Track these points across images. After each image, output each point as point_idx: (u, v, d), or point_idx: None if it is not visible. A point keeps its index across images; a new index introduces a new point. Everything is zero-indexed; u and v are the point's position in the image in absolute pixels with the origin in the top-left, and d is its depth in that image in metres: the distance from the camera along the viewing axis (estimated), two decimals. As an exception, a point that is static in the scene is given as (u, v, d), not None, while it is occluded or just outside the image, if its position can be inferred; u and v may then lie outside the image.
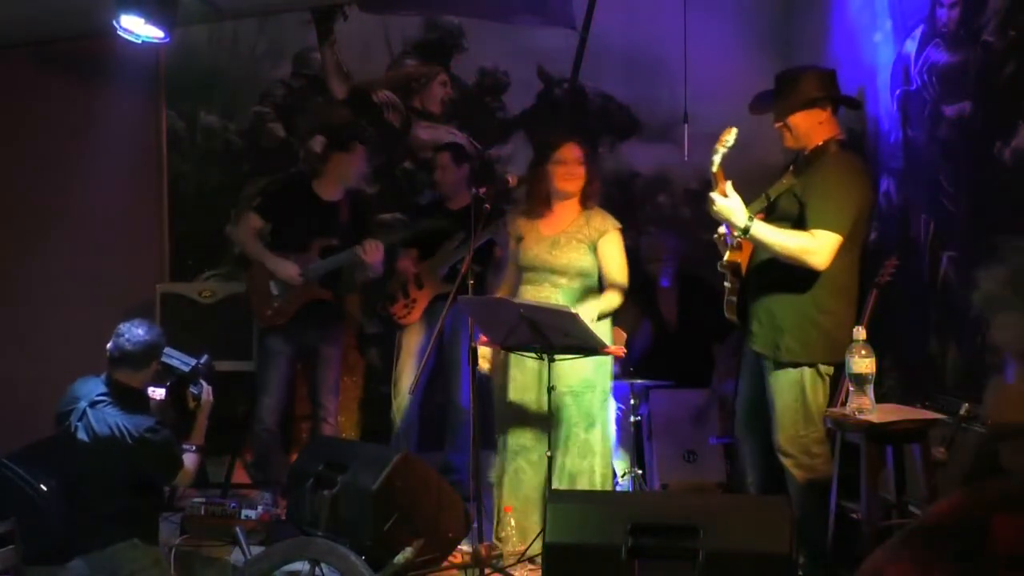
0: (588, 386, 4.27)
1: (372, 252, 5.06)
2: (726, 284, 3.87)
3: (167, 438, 3.96)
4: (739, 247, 3.76)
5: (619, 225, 4.41)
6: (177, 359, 4.21)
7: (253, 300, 5.23)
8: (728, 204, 3.58)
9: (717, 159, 3.55)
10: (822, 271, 3.58)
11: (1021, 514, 1.18)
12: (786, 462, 3.69)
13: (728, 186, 3.59)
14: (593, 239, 4.34)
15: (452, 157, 5.51)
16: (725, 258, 3.79)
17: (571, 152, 4.37)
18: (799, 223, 3.64)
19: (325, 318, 5.21)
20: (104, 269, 5.95)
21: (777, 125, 3.78)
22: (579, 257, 4.33)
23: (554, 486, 4.13)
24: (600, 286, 4.37)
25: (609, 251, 4.36)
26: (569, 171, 4.36)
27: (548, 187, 4.39)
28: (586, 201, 4.41)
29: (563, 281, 4.33)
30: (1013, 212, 3.49)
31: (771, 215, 3.75)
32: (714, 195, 3.60)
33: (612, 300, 4.31)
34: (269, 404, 5.18)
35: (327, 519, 3.86)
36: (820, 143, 3.72)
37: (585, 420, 4.27)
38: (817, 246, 3.55)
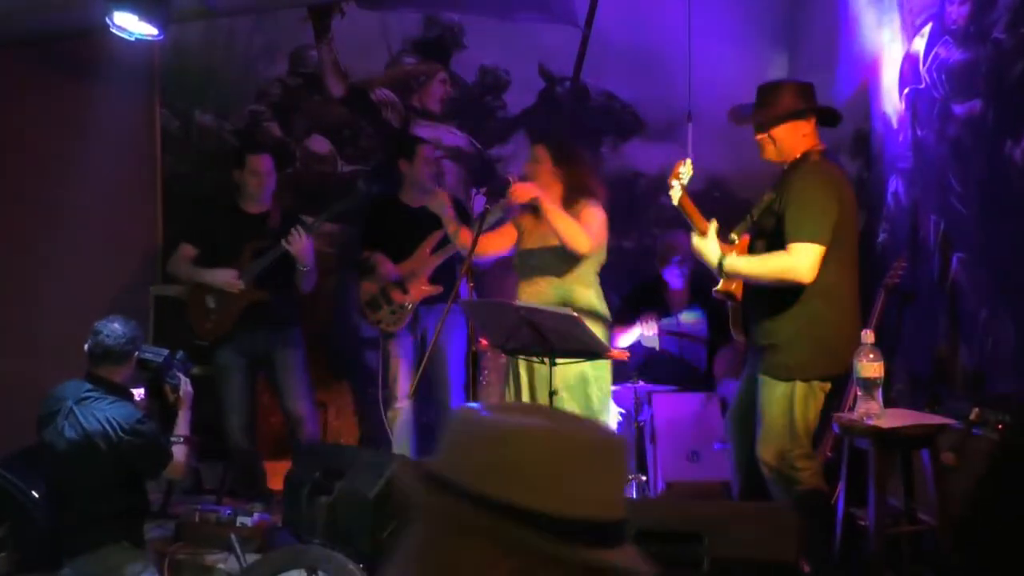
0: (584, 380, 4.27)
1: (296, 241, 4.96)
2: (728, 304, 3.91)
3: (155, 429, 4.03)
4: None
5: (596, 201, 4.36)
6: (150, 352, 4.25)
7: (191, 317, 5.18)
8: (701, 245, 3.69)
9: (675, 194, 3.62)
10: (812, 284, 3.58)
11: None
12: (767, 474, 3.70)
13: (711, 227, 3.69)
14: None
15: (432, 152, 5.51)
16: (719, 286, 3.83)
17: (532, 153, 4.45)
18: (777, 237, 3.64)
19: (274, 322, 5.15)
20: (97, 271, 5.94)
21: (759, 137, 3.79)
22: (560, 243, 4.32)
23: None
24: (592, 272, 4.39)
25: (581, 218, 4.32)
26: (524, 171, 4.42)
27: None
28: (566, 202, 4.37)
29: (549, 276, 4.34)
30: (1024, 213, 3.49)
31: (756, 235, 3.77)
32: (693, 235, 3.71)
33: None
34: (236, 422, 5.16)
35: (324, 526, 3.86)
36: (799, 155, 3.73)
37: (585, 415, 4.26)
38: (796, 262, 3.55)
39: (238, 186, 5.25)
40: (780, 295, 3.65)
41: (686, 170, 3.64)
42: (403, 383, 5.30)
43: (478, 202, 4.38)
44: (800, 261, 3.54)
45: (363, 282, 5.43)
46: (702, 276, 5.37)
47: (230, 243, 5.15)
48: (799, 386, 3.65)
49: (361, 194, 5.44)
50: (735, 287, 3.82)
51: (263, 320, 5.11)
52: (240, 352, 5.15)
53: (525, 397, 4.40)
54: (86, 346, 4.02)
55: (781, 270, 3.58)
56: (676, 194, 3.64)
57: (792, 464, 3.65)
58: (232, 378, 5.16)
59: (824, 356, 3.64)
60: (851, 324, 3.64)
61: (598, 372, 4.31)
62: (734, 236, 3.77)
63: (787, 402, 3.65)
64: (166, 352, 4.28)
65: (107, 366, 4.02)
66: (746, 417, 3.85)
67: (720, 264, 3.64)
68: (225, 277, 5.07)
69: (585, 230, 4.27)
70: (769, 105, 3.75)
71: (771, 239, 3.67)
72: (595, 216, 4.35)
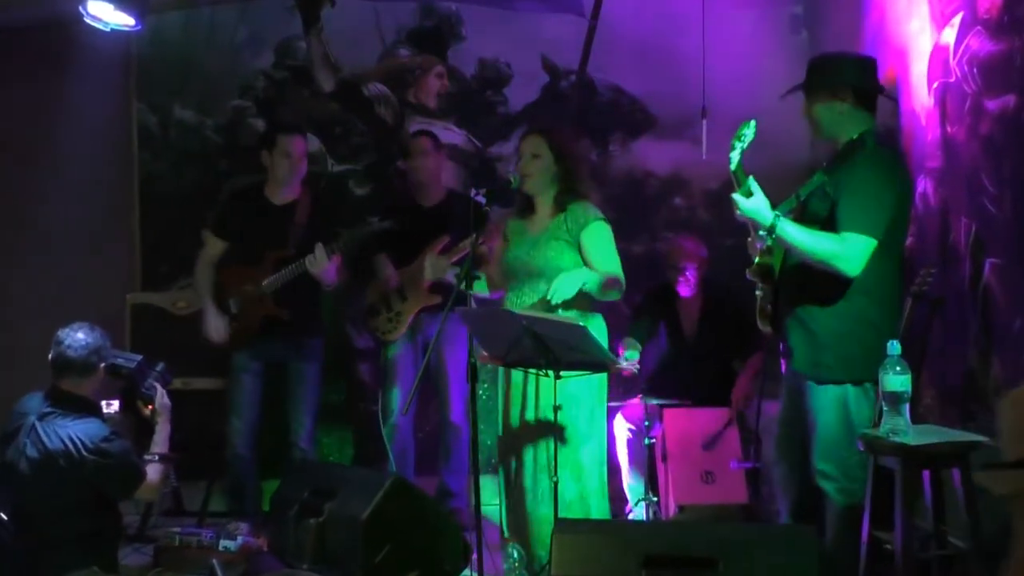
0: (571, 401, 4.22)
1: (318, 263, 5.00)
2: (758, 292, 3.85)
3: (125, 447, 3.98)
4: (770, 251, 3.74)
5: (602, 216, 4.34)
6: (122, 358, 4.24)
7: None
8: (751, 204, 3.57)
9: (735, 157, 3.55)
10: (859, 278, 3.56)
11: None
12: (827, 487, 3.67)
13: (752, 183, 3.58)
14: (574, 234, 4.30)
15: (432, 143, 5.50)
16: (756, 261, 3.77)
17: (522, 145, 4.43)
18: (829, 224, 3.62)
19: (294, 331, 5.17)
20: (69, 277, 5.94)
21: (804, 115, 3.81)
22: (557, 256, 4.29)
23: (547, 511, 4.12)
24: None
25: (591, 243, 4.30)
26: (522, 166, 4.40)
27: None
28: (558, 196, 4.35)
29: (543, 284, 4.29)
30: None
31: (802, 216, 3.73)
32: (736, 196, 3.59)
33: (607, 275, 4.26)
34: (239, 427, 5.17)
35: (313, 550, 3.86)
36: (855, 136, 3.70)
37: (572, 438, 4.24)
38: (848, 251, 3.53)
39: (266, 170, 5.25)
40: (822, 287, 3.62)
41: (750, 132, 3.56)
42: (401, 396, 5.28)
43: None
44: (851, 251, 3.52)
45: (368, 287, 5.45)
46: (707, 286, 5.39)
47: (251, 236, 5.16)
48: (851, 389, 3.63)
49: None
50: (774, 263, 3.77)
51: (284, 328, 5.13)
52: (255, 356, 5.19)
53: (516, 413, 4.37)
54: (49, 356, 3.99)
55: (830, 254, 3.54)
56: (736, 157, 3.57)
57: (852, 473, 3.61)
58: (242, 380, 5.19)
59: (872, 358, 3.57)
60: (895, 329, 3.63)
61: (582, 390, 4.24)
62: (777, 212, 3.73)
63: (841, 406, 3.63)
64: (139, 358, 4.26)
65: (71, 379, 3.99)
66: (795, 433, 3.81)
67: (774, 223, 3.54)
68: (215, 330, 5.15)
69: (606, 263, 4.25)
70: (810, 82, 3.75)
71: (824, 225, 3.63)
72: (603, 237, 4.31)
